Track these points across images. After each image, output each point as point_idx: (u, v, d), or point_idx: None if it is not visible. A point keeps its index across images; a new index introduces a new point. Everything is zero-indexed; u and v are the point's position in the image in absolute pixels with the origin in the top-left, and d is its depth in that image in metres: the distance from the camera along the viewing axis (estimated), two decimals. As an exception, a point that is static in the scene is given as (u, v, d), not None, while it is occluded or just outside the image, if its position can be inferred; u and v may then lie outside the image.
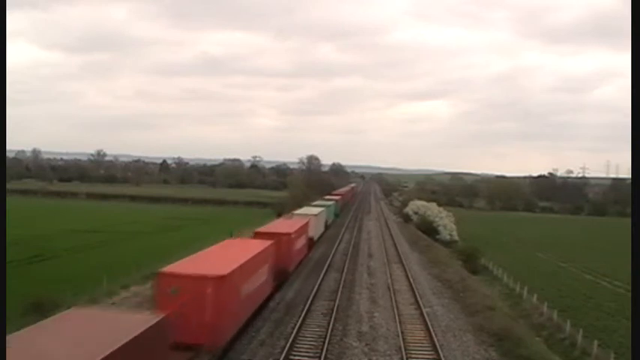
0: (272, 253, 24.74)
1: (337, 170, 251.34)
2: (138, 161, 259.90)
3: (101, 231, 63.45)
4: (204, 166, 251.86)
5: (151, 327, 11.59)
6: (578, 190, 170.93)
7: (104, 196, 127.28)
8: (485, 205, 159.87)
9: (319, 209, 52.96)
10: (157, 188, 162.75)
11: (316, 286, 29.69)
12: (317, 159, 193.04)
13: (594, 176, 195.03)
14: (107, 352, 9.51)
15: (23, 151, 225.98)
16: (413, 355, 19.21)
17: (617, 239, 58.40)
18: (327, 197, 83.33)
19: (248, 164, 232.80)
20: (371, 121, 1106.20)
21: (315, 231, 44.40)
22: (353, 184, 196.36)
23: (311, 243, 41.16)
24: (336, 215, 74.16)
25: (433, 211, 75.75)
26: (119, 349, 9.88)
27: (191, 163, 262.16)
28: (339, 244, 50.26)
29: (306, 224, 38.22)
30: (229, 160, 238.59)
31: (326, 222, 57.32)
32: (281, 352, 18.55)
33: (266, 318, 22.89)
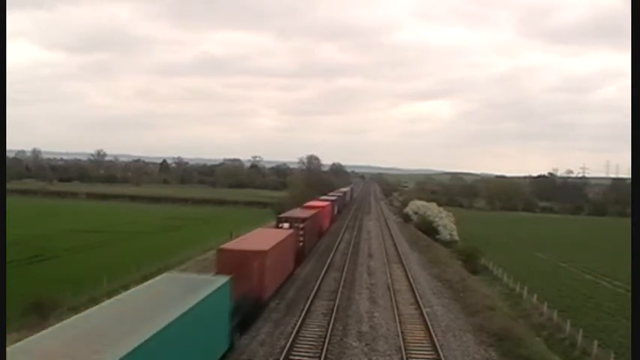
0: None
1: (337, 170, 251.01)
2: (138, 161, 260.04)
3: (101, 231, 63.43)
4: (204, 166, 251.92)
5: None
6: (578, 190, 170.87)
7: (104, 196, 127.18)
8: (485, 205, 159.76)
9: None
10: (157, 188, 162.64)
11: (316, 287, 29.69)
12: (317, 159, 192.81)
13: (594, 176, 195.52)
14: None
15: (23, 151, 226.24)
16: (413, 355, 19.21)
17: (617, 239, 58.42)
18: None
19: (248, 164, 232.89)
20: (372, 121, 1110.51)
21: None
22: (345, 189, 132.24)
23: None
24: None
25: (433, 211, 75.73)
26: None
27: (191, 163, 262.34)
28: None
29: None
30: (229, 160, 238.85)
31: None
32: (281, 352, 18.57)
33: (266, 318, 22.90)
